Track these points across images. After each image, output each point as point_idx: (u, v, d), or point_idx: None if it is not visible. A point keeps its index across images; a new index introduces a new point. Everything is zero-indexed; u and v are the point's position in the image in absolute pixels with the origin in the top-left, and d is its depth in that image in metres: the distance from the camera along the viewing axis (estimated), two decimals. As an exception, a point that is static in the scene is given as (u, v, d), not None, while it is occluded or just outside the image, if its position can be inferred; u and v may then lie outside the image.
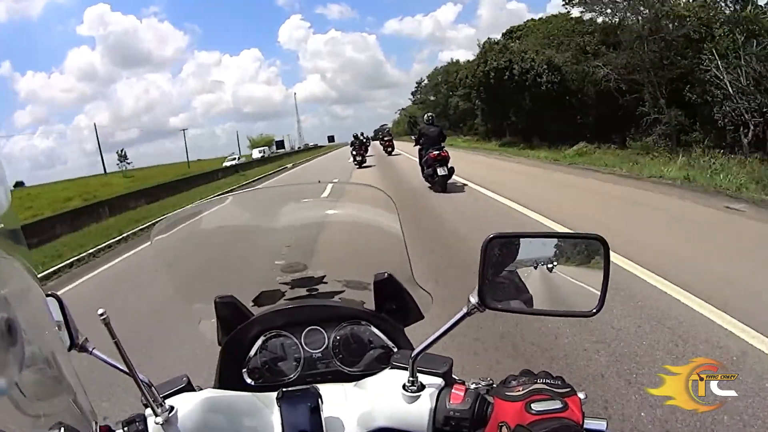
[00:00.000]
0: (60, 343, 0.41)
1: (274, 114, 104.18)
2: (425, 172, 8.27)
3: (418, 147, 8.73)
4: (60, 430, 0.38)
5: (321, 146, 71.78)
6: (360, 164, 15.49)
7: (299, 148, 68.56)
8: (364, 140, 17.49)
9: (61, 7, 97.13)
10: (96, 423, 0.40)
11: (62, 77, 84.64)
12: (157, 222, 0.94)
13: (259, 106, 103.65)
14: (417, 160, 8.86)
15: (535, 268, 0.61)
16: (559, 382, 0.55)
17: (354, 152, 15.85)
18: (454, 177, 8.07)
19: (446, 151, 7.92)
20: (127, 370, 0.56)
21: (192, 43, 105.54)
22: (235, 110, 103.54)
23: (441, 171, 7.75)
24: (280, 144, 63.07)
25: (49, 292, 0.69)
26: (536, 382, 0.55)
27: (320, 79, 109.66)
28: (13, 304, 0.29)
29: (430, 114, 9.14)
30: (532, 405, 0.52)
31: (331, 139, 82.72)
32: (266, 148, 44.34)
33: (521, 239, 0.62)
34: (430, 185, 8.26)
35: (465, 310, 0.59)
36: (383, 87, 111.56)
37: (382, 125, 61.11)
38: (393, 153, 20.01)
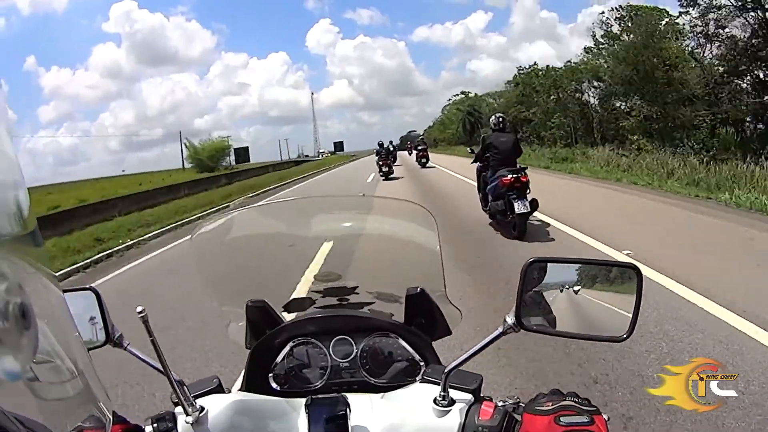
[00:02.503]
0: (76, 337, 0.41)
1: (301, 118, 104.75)
2: (492, 206, 5.27)
3: (477, 165, 5.90)
4: (75, 418, 0.39)
5: (313, 158, 52.09)
6: (386, 176, 14.35)
7: (305, 156, 53.98)
8: (392, 149, 16.61)
9: (87, 2, 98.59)
10: (110, 417, 0.41)
11: (87, 74, 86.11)
12: (198, 223, 1.01)
13: (285, 110, 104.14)
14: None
15: (570, 292, 0.64)
16: (586, 402, 0.57)
17: (380, 162, 14.75)
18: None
19: (526, 175, 5.02)
20: (161, 368, 0.58)
21: (219, 43, 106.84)
22: (261, 114, 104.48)
23: (520, 207, 4.77)
24: (242, 154, 41.56)
25: (87, 286, 0.73)
26: (564, 400, 0.57)
27: (347, 84, 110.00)
28: (27, 292, 0.29)
29: (500, 115, 5.81)
30: (561, 418, 0.54)
31: (338, 146, 64.22)
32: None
33: (559, 264, 0.66)
34: (491, 221, 5.58)
35: (501, 329, 0.62)
36: (411, 95, 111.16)
37: (410, 131, 51.13)
38: (427, 165, 17.94)
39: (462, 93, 43.01)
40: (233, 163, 38.17)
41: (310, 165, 33.26)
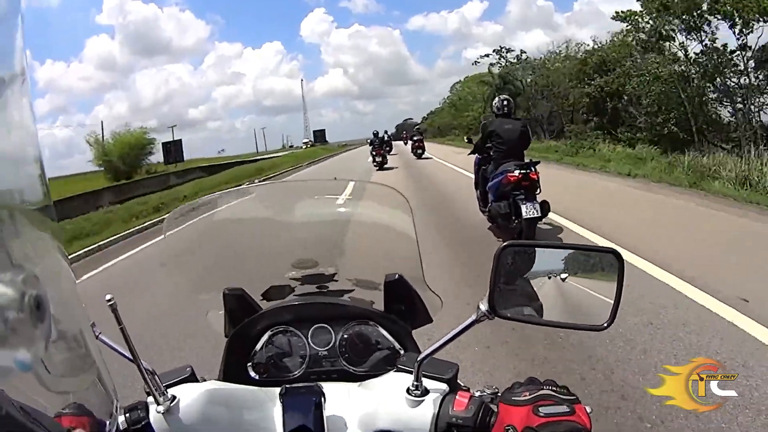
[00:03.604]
0: (87, 322, 0.41)
1: (295, 108, 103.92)
2: (492, 207, 4.33)
3: (475, 157, 4.94)
4: (82, 407, 0.39)
5: (270, 154, 37.48)
6: (380, 166, 14.31)
7: (291, 147, 45.78)
8: (387, 139, 16.91)
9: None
10: (117, 402, 0.41)
11: (81, 66, 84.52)
12: (172, 210, 0.96)
13: (279, 99, 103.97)
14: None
15: (548, 278, 0.61)
16: (565, 391, 0.55)
17: (374, 152, 14.79)
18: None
19: (537, 172, 4.08)
20: (131, 357, 0.58)
21: (213, 33, 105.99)
22: (256, 103, 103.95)
23: (528, 210, 3.89)
24: (174, 150, 30.61)
25: None
26: (542, 389, 0.55)
27: (342, 73, 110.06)
28: (43, 282, 0.29)
29: (504, 97, 4.74)
30: (540, 408, 0.52)
31: (319, 136, 53.52)
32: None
33: (536, 249, 0.63)
34: (491, 224, 4.67)
35: (474, 317, 0.59)
36: (406, 84, 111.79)
37: (407, 119, 47.85)
38: (423, 156, 17.10)
39: (495, 51, 26.52)
40: (166, 159, 29.13)
41: (243, 171, 19.08)
